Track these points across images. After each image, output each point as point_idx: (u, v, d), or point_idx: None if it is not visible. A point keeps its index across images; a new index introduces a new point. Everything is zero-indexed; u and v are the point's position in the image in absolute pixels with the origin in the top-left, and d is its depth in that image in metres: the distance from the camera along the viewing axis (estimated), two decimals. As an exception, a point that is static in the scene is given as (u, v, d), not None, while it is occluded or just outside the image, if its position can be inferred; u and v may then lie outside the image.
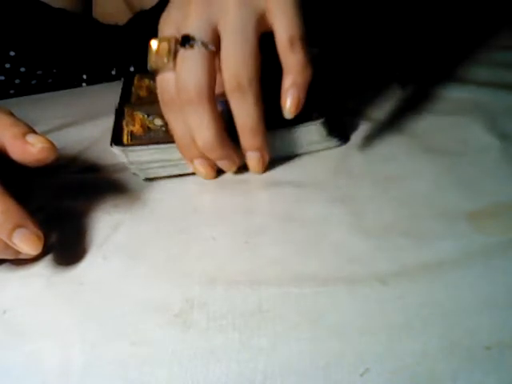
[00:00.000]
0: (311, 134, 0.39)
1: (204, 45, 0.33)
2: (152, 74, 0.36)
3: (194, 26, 0.33)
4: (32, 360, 0.28)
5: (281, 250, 0.32)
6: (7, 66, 0.57)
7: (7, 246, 0.31)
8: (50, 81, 0.59)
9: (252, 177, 0.38)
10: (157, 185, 0.39)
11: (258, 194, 0.37)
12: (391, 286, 0.28)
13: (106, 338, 0.28)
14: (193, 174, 0.39)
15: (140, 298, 0.30)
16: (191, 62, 0.33)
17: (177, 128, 0.36)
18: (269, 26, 0.34)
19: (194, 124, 0.34)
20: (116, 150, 0.38)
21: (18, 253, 0.31)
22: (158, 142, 0.38)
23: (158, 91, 0.36)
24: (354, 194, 0.35)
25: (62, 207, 0.38)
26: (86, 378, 0.26)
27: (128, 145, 0.38)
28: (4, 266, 0.34)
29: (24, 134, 0.32)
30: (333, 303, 0.28)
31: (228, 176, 0.39)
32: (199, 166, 0.37)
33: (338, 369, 0.25)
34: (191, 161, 0.37)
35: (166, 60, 0.34)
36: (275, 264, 0.31)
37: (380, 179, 0.36)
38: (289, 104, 0.35)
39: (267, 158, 0.37)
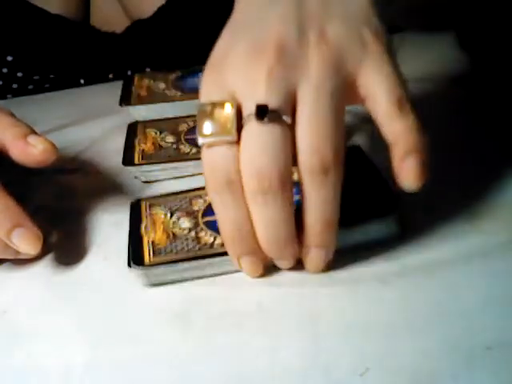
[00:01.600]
0: (381, 229, 0.31)
1: (283, 119, 0.26)
2: (152, 72, 0.35)
3: (272, 93, 0.26)
4: (32, 360, 0.28)
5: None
6: (4, 70, 0.57)
7: (7, 246, 0.31)
8: (46, 86, 0.59)
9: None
10: (156, 184, 0.39)
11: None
12: (391, 286, 0.28)
13: (106, 337, 0.28)
14: (191, 175, 0.40)
15: (140, 298, 0.30)
16: (269, 141, 0.26)
17: (228, 217, 0.28)
18: (358, 97, 0.28)
19: (263, 217, 0.27)
20: (129, 168, 0.40)
21: (18, 252, 0.32)
22: (169, 161, 0.40)
23: (207, 168, 0.28)
24: (354, 194, 0.35)
25: (62, 207, 0.38)
26: (86, 377, 0.26)
27: (140, 164, 0.40)
28: (4, 266, 0.34)
29: (25, 135, 0.32)
30: (333, 303, 0.28)
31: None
32: (248, 264, 0.29)
33: (337, 369, 0.25)
34: (238, 257, 0.29)
35: (228, 136, 0.27)
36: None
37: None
38: (412, 174, 0.27)
39: (331, 256, 0.29)
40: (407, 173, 0.27)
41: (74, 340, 0.28)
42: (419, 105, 0.28)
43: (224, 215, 0.28)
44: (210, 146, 0.27)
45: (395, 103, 0.27)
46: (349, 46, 0.28)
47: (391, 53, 0.28)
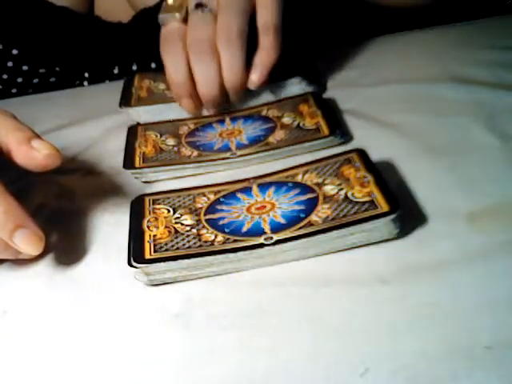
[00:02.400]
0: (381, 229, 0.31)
1: (211, 10, 0.43)
2: (153, 73, 0.36)
3: None
4: (32, 360, 0.28)
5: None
6: (10, 64, 0.57)
7: (8, 246, 0.31)
8: (52, 79, 0.59)
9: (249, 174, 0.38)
10: (156, 184, 0.39)
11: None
12: (391, 286, 0.28)
13: (106, 337, 0.28)
14: (191, 175, 0.40)
15: (140, 298, 0.30)
16: (203, 22, 0.42)
17: (173, 67, 0.43)
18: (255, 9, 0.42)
19: (198, 69, 0.42)
20: (130, 172, 0.40)
21: (19, 253, 0.32)
22: (169, 164, 0.40)
23: (163, 37, 0.44)
24: (354, 194, 0.35)
25: (62, 207, 0.38)
26: (87, 378, 0.26)
27: (141, 167, 0.40)
28: (4, 266, 0.34)
29: (29, 139, 0.32)
30: (333, 303, 0.28)
31: (224, 177, 0.39)
32: (187, 105, 0.44)
33: (338, 369, 0.25)
34: (180, 99, 0.44)
35: (177, 14, 0.44)
36: (275, 264, 0.31)
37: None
38: (254, 77, 0.43)
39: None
40: (252, 75, 0.43)
41: (74, 340, 0.28)
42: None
43: (170, 66, 0.43)
44: (167, 24, 0.44)
45: (263, 25, 0.43)
46: None
47: None
